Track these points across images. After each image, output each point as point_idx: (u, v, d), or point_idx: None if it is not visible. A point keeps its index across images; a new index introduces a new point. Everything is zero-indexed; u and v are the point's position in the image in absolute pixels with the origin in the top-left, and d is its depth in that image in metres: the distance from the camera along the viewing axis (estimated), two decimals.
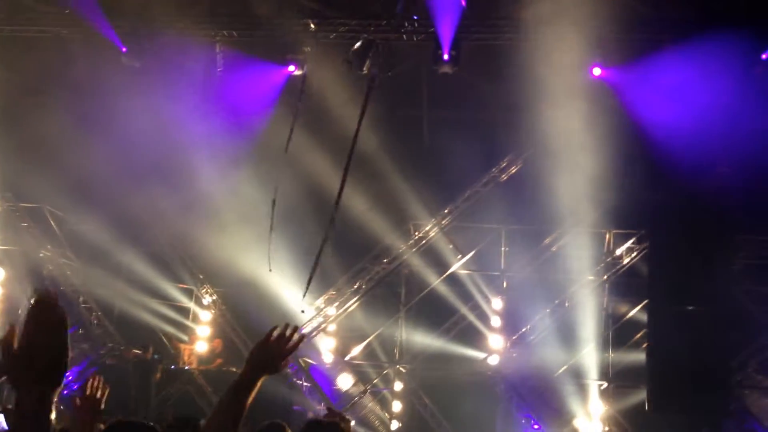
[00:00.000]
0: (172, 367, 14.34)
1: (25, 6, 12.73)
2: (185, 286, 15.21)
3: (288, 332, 2.66)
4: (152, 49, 12.70)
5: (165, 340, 14.93)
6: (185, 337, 15.06)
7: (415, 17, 12.05)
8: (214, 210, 13.61)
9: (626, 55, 11.95)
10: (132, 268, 14.64)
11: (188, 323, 15.27)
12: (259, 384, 2.60)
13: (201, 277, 14.98)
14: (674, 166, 11.89)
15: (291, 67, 12.97)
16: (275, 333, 2.64)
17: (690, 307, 12.02)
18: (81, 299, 14.83)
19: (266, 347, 2.64)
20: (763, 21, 11.17)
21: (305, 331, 14.22)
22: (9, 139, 13.23)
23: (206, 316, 15.15)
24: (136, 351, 13.99)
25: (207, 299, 15.07)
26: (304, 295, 12.51)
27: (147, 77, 13.00)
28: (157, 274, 14.78)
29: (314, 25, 12.49)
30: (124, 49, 12.56)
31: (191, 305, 15.34)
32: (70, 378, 13.25)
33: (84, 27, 12.50)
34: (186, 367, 14.35)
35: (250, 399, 2.57)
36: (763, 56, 11.30)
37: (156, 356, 13.75)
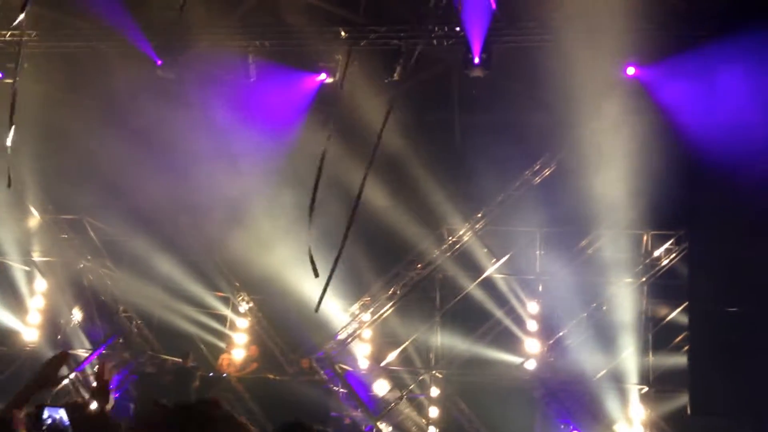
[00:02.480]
0: (210, 374, 14.49)
1: (61, 22, 13.03)
2: (222, 294, 15.38)
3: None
4: (186, 61, 12.90)
5: (203, 348, 15.11)
6: (223, 345, 15.23)
7: (446, 21, 12.02)
8: (250, 218, 13.74)
9: (661, 52, 11.76)
10: (170, 277, 14.86)
11: (225, 330, 15.43)
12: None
13: (237, 285, 15.14)
14: (713, 165, 11.65)
15: (323, 75, 13.06)
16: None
17: (732, 309, 11.77)
18: (121, 308, 15.09)
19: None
20: None
21: (340, 337, 14.26)
22: (49, 152, 13.54)
23: (243, 323, 15.29)
24: (176, 359, 14.19)
25: (243, 306, 15.21)
26: (319, 302, 12.54)
27: (182, 88, 13.21)
28: (194, 283, 14.97)
29: (344, 32, 12.56)
30: (159, 62, 12.77)
31: (228, 313, 15.50)
32: (112, 387, 13.45)
33: (119, 41, 12.75)
34: (224, 374, 14.49)
35: None
36: None
37: (194, 364, 13.92)
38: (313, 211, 4.65)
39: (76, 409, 2.95)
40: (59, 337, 15.40)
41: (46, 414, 2.92)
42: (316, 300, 14.63)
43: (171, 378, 13.72)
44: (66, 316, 15.50)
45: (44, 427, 2.90)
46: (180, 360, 14.03)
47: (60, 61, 13.43)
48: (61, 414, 2.94)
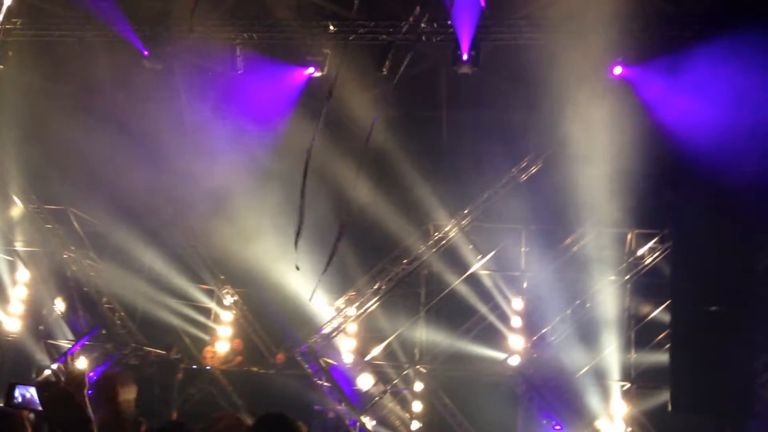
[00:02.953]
0: (194, 367, 14.46)
1: (46, 10, 12.90)
2: (207, 287, 15.34)
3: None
4: (173, 52, 12.81)
5: (187, 340, 15.07)
6: (207, 337, 15.19)
7: (435, 17, 12.02)
8: (235, 211, 13.70)
9: (648, 53, 11.84)
10: (154, 269, 14.79)
11: (210, 323, 15.40)
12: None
13: (222, 277, 15.10)
14: (697, 165, 11.75)
15: (311, 69, 13.02)
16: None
17: (713, 308, 11.88)
18: (104, 300, 15.00)
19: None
20: None
21: (325, 331, 14.28)
22: (32, 142, 13.42)
23: (227, 316, 15.26)
24: (159, 351, 14.14)
25: (228, 299, 15.18)
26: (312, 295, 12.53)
27: (168, 80, 13.13)
28: (178, 275, 14.92)
29: (333, 26, 12.52)
30: (145, 53, 12.68)
31: (213, 305, 15.46)
32: (94, 378, 13.40)
33: (106, 30, 12.63)
34: (207, 367, 14.46)
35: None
36: None
37: (178, 356, 13.88)
38: (303, 218, 4.64)
39: (46, 388, 2.97)
40: (41, 327, 15.30)
41: (17, 392, 2.95)
42: (302, 293, 14.65)
43: (154, 370, 13.68)
44: (48, 306, 15.39)
45: (12, 404, 2.93)
46: (163, 352, 13.98)
47: (45, 50, 13.30)
48: (32, 392, 2.97)
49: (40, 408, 2.93)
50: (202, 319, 15.34)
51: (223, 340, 15.04)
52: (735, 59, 11.13)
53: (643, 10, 11.52)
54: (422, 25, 12.13)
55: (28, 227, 15.28)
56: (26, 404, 2.95)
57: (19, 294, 15.50)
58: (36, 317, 15.46)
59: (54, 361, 14.47)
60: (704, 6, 11.80)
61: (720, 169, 11.58)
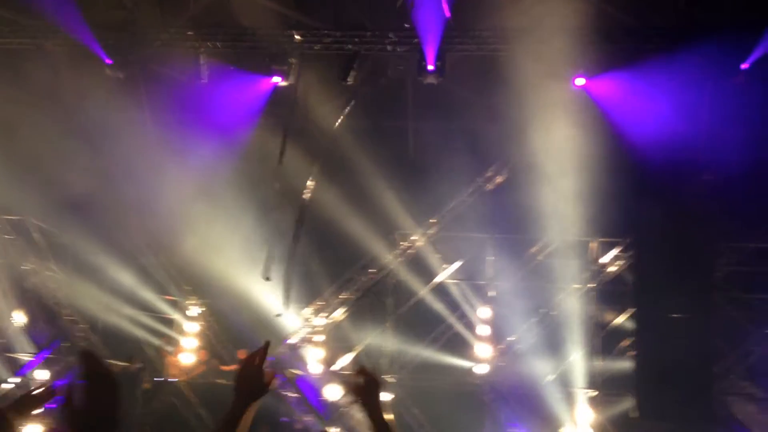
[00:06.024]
0: (156, 379, 14.24)
1: (6, 18, 12.66)
2: (171, 297, 15.14)
3: (258, 352, 2.69)
4: (136, 60, 12.66)
5: (151, 352, 14.84)
6: (171, 348, 14.99)
7: (401, 28, 12.06)
8: (200, 220, 13.55)
9: (609, 64, 12.02)
10: (117, 280, 14.55)
11: (174, 335, 15.19)
12: (252, 410, 2.63)
13: (187, 288, 14.92)
14: (658, 175, 11.97)
15: (276, 78, 12.95)
16: (243, 358, 2.67)
17: (675, 315, 12.08)
18: (66, 312, 14.72)
19: (244, 374, 2.66)
20: (744, 31, 11.27)
21: (292, 341, 14.19)
22: None
23: (192, 327, 15.07)
24: (121, 363, 13.89)
25: (194, 311, 15.00)
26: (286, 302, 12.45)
27: (131, 88, 12.96)
28: (142, 286, 14.70)
29: (299, 36, 12.49)
30: (108, 61, 12.51)
31: (177, 317, 15.26)
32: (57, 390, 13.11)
33: (67, 39, 12.43)
34: (172, 380, 14.25)
35: (247, 427, 2.59)
36: (743, 66, 11.40)
37: (140, 366, 13.68)
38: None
39: None
40: (2, 340, 14.95)
41: None
42: (267, 303, 14.50)
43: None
44: (8, 319, 15.04)
45: None
46: (126, 364, 13.75)
47: (4, 58, 13.04)
48: None
49: None
50: (166, 330, 15.13)
51: (187, 352, 14.85)
52: (695, 71, 11.37)
53: (605, 23, 11.70)
54: (389, 34, 12.16)
55: None
56: None
57: None
58: None
59: (13, 374, 14.13)
60: (664, 19, 12.03)
61: (680, 178, 11.82)
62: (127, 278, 14.51)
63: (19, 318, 15.02)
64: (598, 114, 12.28)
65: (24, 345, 14.88)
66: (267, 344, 2.73)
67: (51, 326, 14.76)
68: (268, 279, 9.19)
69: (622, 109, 12.09)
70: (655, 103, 11.79)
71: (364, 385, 2.92)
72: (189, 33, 12.67)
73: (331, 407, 14.21)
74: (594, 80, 12.12)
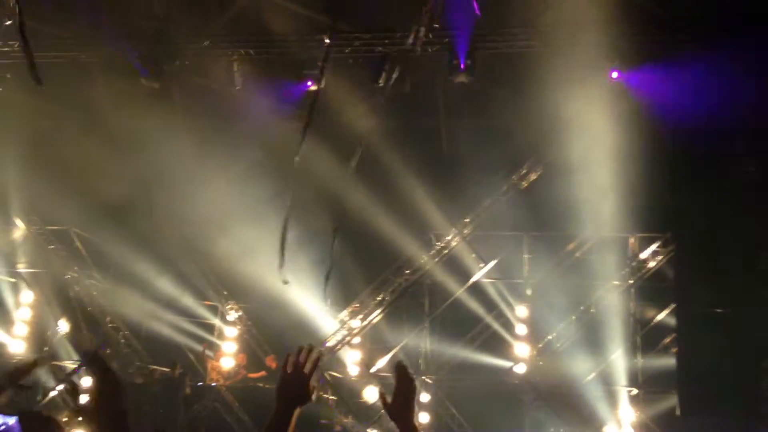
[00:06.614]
0: (199, 383, 14.43)
1: (42, 32, 12.95)
2: (210, 303, 15.33)
3: (302, 356, 2.61)
4: (170, 70, 12.85)
5: (193, 358, 15.04)
6: (212, 354, 15.17)
7: (430, 28, 12.04)
8: (237, 226, 13.69)
9: (644, 57, 11.85)
10: (158, 287, 14.78)
11: (214, 340, 15.37)
12: (295, 416, 2.60)
13: (225, 293, 15.08)
14: (698, 168, 11.74)
15: (308, 83, 13.05)
16: (290, 363, 2.60)
17: (718, 310, 11.84)
18: (108, 319, 14.99)
19: (288, 380, 2.61)
20: None
21: (329, 344, 14.25)
22: (34, 163, 13.45)
23: (231, 332, 15.23)
24: (164, 369, 14.11)
25: (232, 315, 15.16)
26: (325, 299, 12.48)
27: (166, 98, 13.16)
28: (182, 292, 14.90)
29: (328, 40, 12.55)
30: (143, 72, 12.72)
31: (216, 321, 15.44)
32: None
33: (102, 50, 12.68)
34: (213, 384, 14.42)
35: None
36: None
37: (182, 371, 13.86)
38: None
39: (32, 420, 2.91)
40: (46, 348, 15.29)
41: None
42: (305, 307, 14.58)
43: (159, 388, 13.64)
44: (52, 327, 15.38)
45: None
46: (168, 370, 13.95)
47: (44, 70, 13.32)
48: (13, 422, 2.90)
49: None
50: (206, 335, 15.31)
51: (227, 356, 15.01)
52: (731, 61, 11.14)
53: (638, 15, 11.53)
54: (419, 35, 12.15)
55: (30, 248, 15.31)
56: None
57: (23, 316, 15.51)
58: (40, 338, 15.46)
59: (59, 382, 14.44)
60: (699, 10, 11.81)
61: (720, 170, 11.58)
62: (166, 285, 14.73)
63: (63, 326, 15.35)
64: (634, 107, 12.10)
65: (69, 352, 15.20)
66: (318, 356, 2.66)
67: (94, 334, 15.05)
68: (286, 282, 9.30)
69: (658, 101, 11.88)
70: (691, 95, 11.57)
71: (400, 386, 2.78)
72: (221, 42, 12.83)
73: (370, 410, 14.23)
74: (629, 73, 11.96)
